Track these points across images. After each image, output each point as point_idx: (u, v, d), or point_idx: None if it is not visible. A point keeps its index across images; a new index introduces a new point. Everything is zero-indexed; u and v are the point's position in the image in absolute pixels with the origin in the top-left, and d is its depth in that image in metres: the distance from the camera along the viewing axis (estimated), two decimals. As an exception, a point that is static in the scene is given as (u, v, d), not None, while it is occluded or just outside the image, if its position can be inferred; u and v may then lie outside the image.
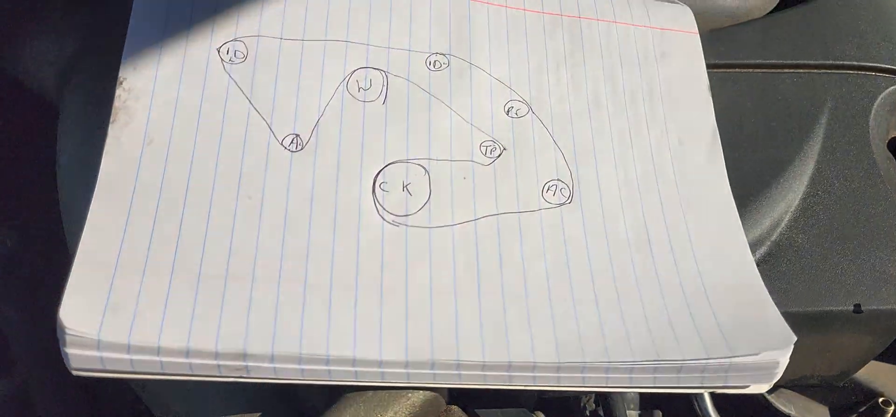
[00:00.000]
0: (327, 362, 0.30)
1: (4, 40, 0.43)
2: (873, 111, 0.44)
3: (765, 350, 0.32)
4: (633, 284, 0.35)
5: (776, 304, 0.35)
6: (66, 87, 0.41)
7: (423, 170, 0.36)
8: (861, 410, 0.47)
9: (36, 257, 0.48)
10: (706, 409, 0.41)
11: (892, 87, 0.45)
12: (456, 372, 0.31)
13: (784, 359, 0.32)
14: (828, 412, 0.48)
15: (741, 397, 0.34)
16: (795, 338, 0.32)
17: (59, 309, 0.28)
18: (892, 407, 0.45)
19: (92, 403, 0.47)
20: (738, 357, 0.32)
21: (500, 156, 0.37)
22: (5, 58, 0.43)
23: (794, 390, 0.48)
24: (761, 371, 0.32)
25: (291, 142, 0.35)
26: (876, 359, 0.44)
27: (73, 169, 0.40)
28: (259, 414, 0.35)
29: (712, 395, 0.42)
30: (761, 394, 0.45)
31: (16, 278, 0.47)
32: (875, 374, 0.46)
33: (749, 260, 0.37)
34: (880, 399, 0.46)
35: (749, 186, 0.41)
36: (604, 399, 0.43)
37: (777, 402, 0.47)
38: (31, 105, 0.46)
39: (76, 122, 0.40)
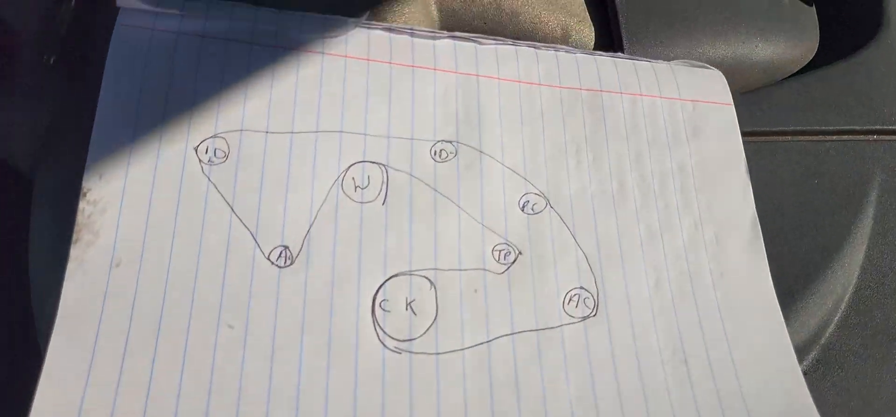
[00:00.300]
0: None
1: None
2: (929, 185, 0.40)
3: None
4: (668, 413, 0.31)
5: (828, 422, 0.31)
6: (40, 168, 0.37)
7: (428, 283, 0.32)
8: None
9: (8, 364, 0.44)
10: None
11: (951, 156, 0.41)
12: None
13: None
14: None
15: None
16: None
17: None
18: None
19: None
20: None
21: (515, 261, 0.33)
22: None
23: None
24: None
25: (279, 255, 0.31)
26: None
27: (46, 263, 0.36)
28: None
29: None
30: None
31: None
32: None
33: (797, 375, 0.33)
34: None
35: (792, 281, 0.36)
36: None
37: None
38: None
39: (51, 210, 0.36)
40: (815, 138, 0.41)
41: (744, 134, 0.39)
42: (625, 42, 0.41)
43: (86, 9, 0.40)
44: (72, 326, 0.29)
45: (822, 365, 0.35)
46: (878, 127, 0.41)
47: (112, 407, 0.28)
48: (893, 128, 0.41)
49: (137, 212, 0.31)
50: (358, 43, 0.35)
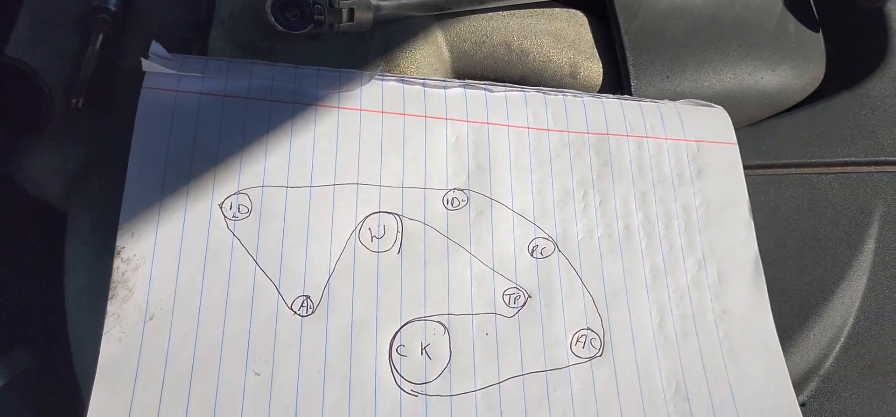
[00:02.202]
0: None
1: (8, 149, 0.41)
2: (929, 216, 0.41)
3: None
4: (670, 451, 0.33)
5: (826, 453, 0.33)
6: (72, 204, 0.40)
7: (442, 327, 0.34)
8: None
9: (52, 377, 0.46)
10: None
11: (951, 187, 0.42)
12: None
13: None
14: None
15: None
16: None
17: None
18: None
19: None
20: None
21: (524, 304, 0.35)
22: (9, 166, 0.41)
23: None
24: None
25: (301, 305, 0.33)
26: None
27: (81, 300, 0.38)
28: None
29: None
30: None
31: (32, 401, 0.46)
32: None
33: (795, 411, 0.34)
34: None
35: (793, 314, 0.38)
36: None
37: None
38: (38, 212, 0.44)
39: (84, 247, 0.39)
40: (817, 170, 0.42)
41: (749, 167, 0.40)
42: (632, 78, 0.43)
43: (110, 53, 0.42)
44: (112, 377, 0.31)
45: (820, 396, 0.37)
46: (880, 158, 0.42)
47: (150, 454, 0.30)
48: (895, 159, 0.42)
49: (168, 268, 0.33)
50: (372, 96, 0.37)
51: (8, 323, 0.45)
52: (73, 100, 0.40)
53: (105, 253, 0.35)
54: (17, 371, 0.43)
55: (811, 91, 0.46)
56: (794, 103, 0.46)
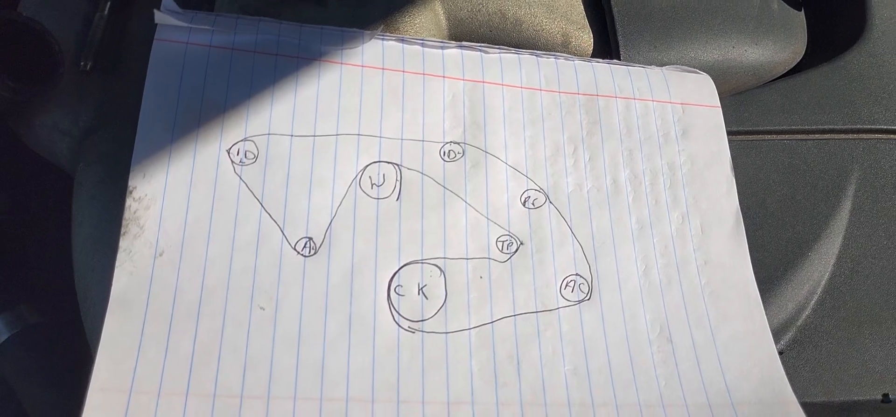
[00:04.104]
0: (344, 488, 0.30)
1: (17, 110, 0.42)
2: (903, 180, 0.43)
3: None
4: (654, 387, 0.34)
5: (801, 394, 0.35)
6: (80, 161, 0.41)
7: (438, 270, 0.35)
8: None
9: (58, 331, 0.47)
10: None
11: (923, 154, 0.44)
12: (474, 496, 0.31)
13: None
14: None
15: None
16: None
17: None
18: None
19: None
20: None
21: (517, 251, 0.36)
22: (18, 127, 0.42)
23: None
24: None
25: (304, 246, 0.35)
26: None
27: (88, 249, 0.39)
28: None
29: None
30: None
31: (38, 354, 0.47)
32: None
33: (773, 354, 0.36)
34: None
35: (773, 268, 0.40)
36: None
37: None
38: (45, 174, 0.45)
39: (91, 200, 0.40)
40: (797, 137, 0.44)
41: (732, 133, 0.42)
42: (621, 47, 0.44)
43: (118, 18, 0.44)
44: (123, 308, 0.32)
45: (798, 345, 0.38)
46: (856, 126, 0.44)
47: (160, 380, 0.31)
48: (870, 127, 0.44)
49: (177, 208, 0.34)
50: (373, 53, 0.39)
51: (15, 277, 0.46)
52: (82, 63, 0.42)
53: (111, 206, 0.37)
54: (24, 324, 0.44)
55: (792, 65, 0.48)
56: (775, 76, 0.48)
